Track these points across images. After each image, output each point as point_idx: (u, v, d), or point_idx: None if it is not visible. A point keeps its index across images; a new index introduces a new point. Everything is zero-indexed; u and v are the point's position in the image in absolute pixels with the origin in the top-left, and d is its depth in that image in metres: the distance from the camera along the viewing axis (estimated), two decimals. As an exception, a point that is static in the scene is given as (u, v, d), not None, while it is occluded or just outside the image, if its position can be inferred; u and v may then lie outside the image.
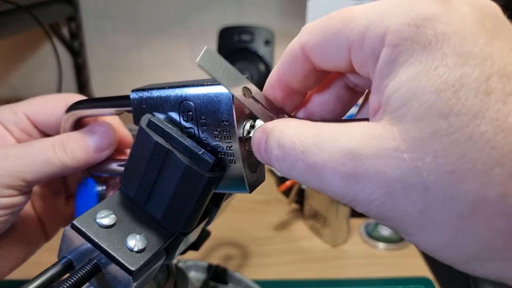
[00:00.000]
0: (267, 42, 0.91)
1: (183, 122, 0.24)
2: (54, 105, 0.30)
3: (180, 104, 0.23)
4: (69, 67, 1.02)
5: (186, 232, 0.25)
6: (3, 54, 1.04)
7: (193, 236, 0.28)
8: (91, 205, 0.30)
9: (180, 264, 0.44)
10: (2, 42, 0.98)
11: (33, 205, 0.33)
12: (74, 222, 0.22)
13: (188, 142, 0.23)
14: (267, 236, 0.59)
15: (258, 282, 0.50)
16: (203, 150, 0.23)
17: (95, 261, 0.22)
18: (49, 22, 0.94)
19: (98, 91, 1.06)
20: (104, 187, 0.31)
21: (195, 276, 0.47)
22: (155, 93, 0.24)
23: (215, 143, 0.23)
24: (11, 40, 1.00)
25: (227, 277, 0.46)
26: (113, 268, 0.22)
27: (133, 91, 0.25)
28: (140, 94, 0.25)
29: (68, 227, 0.22)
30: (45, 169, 0.27)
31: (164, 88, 0.24)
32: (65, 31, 1.00)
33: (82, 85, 1.04)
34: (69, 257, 0.22)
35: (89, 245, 0.22)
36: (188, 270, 0.47)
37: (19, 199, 0.28)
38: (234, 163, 0.23)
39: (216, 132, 0.23)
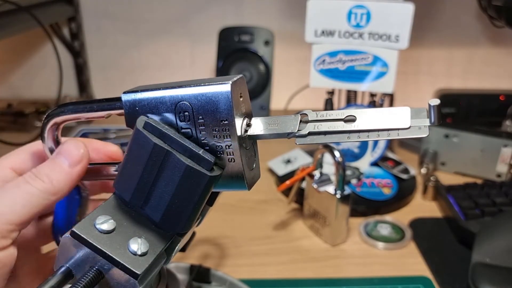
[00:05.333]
0: (267, 43, 0.91)
1: (179, 123, 0.24)
2: (39, 153, 0.29)
3: (176, 105, 0.23)
4: (70, 67, 1.02)
5: (183, 233, 0.25)
6: (4, 54, 1.05)
7: (186, 238, 0.28)
8: (73, 210, 0.29)
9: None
10: (3, 42, 0.99)
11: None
12: (74, 229, 0.22)
13: (187, 142, 0.23)
14: (266, 235, 0.59)
15: (257, 281, 0.50)
16: (203, 149, 0.23)
17: (96, 267, 0.22)
18: (50, 22, 0.94)
19: (98, 91, 1.06)
20: (86, 191, 0.30)
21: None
22: (149, 95, 0.24)
23: (213, 142, 0.23)
24: (12, 40, 1.00)
25: (210, 276, 0.46)
26: (116, 273, 0.22)
27: (124, 93, 0.25)
28: (133, 96, 0.24)
29: (67, 235, 0.22)
30: (26, 203, 0.24)
31: (158, 89, 0.24)
32: (65, 32, 1.00)
33: (82, 85, 1.04)
34: (67, 265, 0.22)
35: (88, 252, 0.22)
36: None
37: (10, 251, 0.25)
38: (234, 161, 0.23)
39: (215, 132, 0.23)
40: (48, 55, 1.03)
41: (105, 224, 0.23)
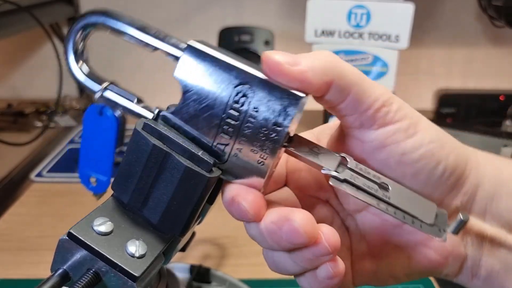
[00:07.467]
0: (267, 43, 0.91)
1: (230, 102, 0.22)
2: None
3: (240, 84, 0.22)
4: (70, 67, 1.02)
5: (182, 234, 0.25)
6: (4, 54, 1.05)
7: (185, 238, 0.28)
8: (110, 135, 0.26)
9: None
10: (3, 42, 0.99)
11: None
12: (71, 230, 0.22)
13: (186, 144, 0.23)
14: (266, 236, 0.59)
15: (257, 281, 0.50)
16: (202, 151, 0.23)
17: (93, 270, 0.22)
18: (50, 22, 0.94)
19: (99, 91, 1.07)
20: (119, 113, 0.27)
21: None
22: (221, 55, 0.22)
23: (254, 141, 0.22)
24: (12, 41, 1.00)
25: (210, 276, 0.46)
26: (114, 275, 0.22)
27: (193, 41, 0.23)
28: (201, 47, 0.23)
29: (64, 236, 0.22)
30: None
31: (230, 56, 0.22)
32: (65, 32, 1.00)
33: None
34: (64, 268, 0.22)
35: (85, 253, 0.21)
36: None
37: None
38: (262, 164, 0.23)
39: (261, 133, 0.22)
40: (48, 55, 1.03)
41: (103, 226, 0.22)
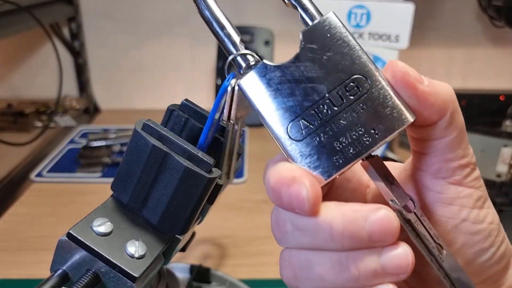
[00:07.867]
0: (267, 43, 0.91)
1: (341, 86, 0.21)
2: None
3: (360, 75, 0.21)
4: (70, 67, 1.02)
5: (182, 234, 0.25)
6: (4, 54, 1.05)
7: (186, 238, 0.28)
8: (216, 103, 0.24)
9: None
10: (3, 42, 0.99)
11: None
12: (70, 231, 0.22)
13: (185, 144, 0.23)
14: (266, 235, 0.59)
15: (257, 281, 0.50)
16: (201, 151, 0.23)
17: (93, 270, 0.22)
18: (50, 22, 0.94)
19: (98, 91, 1.06)
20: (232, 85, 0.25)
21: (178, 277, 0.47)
22: (353, 40, 0.21)
23: (342, 135, 0.20)
24: (12, 41, 1.00)
25: (210, 276, 0.46)
26: (114, 276, 0.22)
27: (333, 14, 0.22)
28: (339, 24, 0.21)
29: (63, 237, 0.22)
30: None
31: (361, 46, 0.21)
32: (65, 31, 1.00)
33: (82, 85, 1.04)
34: (64, 268, 0.22)
35: (85, 254, 0.22)
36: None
37: None
38: (337, 163, 0.21)
39: (354, 131, 0.20)
40: (48, 55, 1.03)
41: (102, 226, 0.23)
